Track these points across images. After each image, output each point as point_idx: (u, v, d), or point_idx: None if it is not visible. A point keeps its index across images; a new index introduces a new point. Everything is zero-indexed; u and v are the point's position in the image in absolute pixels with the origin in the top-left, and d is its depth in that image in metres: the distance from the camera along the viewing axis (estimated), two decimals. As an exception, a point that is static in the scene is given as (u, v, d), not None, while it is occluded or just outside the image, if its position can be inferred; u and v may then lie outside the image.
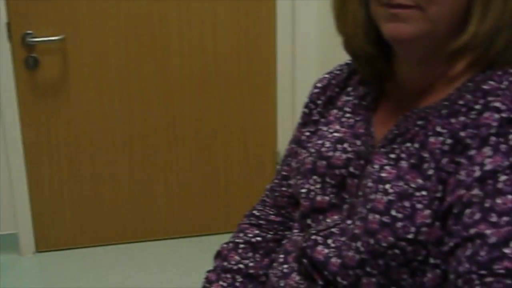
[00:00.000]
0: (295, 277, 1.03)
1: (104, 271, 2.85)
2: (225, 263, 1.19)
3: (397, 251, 0.88)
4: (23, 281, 2.80)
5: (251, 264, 1.18)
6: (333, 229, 0.99)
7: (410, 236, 0.86)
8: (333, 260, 0.95)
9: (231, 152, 3.14)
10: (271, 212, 1.23)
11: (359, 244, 0.91)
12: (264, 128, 3.13)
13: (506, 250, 0.72)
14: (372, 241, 0.89)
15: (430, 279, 0.87)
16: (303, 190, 1.05)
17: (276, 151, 3.16)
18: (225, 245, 1.22)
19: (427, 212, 0.86)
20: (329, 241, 0.98)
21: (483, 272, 0.72)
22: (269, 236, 1.21)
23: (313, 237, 1.00)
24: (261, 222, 1.22)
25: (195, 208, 3.16)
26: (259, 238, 1.20)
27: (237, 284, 1.17)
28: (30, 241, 3.01)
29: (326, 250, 0.97)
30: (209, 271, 1.20)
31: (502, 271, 0.71)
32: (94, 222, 3.06)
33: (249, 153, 3.15)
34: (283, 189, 1.21)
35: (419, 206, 0.86)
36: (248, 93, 3.07)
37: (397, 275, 0.90)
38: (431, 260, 0.87)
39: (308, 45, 3.00)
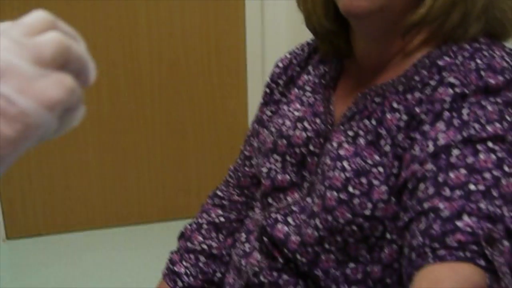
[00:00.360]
0: (257, 256, 1.03)
1: (75, 257, 2.84)
2: (189, 244, 1.19)
3: (354, 227, 0.88)
4: (-7, 268, 2.78)
5: (214, 245, 1.18)
6: (293, 207, 0.99)
7: (367, 212, 0.87)
8: (293, 238, 0.96)
9: (201, 136, 3.13)
10: (234, 193, 1.23)
11: (317, 221, 0.92)
12: (234, 111, 3.12)
13: (459, 223, 0.73)
14: (330, 218, 0.89)
15: (388, 255, 0.88)
16: (264, 169, 1.05)
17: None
18: (188, 226, 1.22)
19: (384, 188, 0.86)
20: (289, 219, 0.98)
21: (436, 245, 0.73)
22: (232, 216, 1.21)
23: (273, 215, 1.00)
24: (224, 202, 1.22)
25: (167, 193, 3.15)
26: (222, 219, 1.20)
27: (201, 264, 1.17)
28: (0, 228, 2.98)
29: (286, 228, 0.97)
30: (172, 252, 1.20)
31: (454, 244, 0.72)
32: (64, 208, 3.03)
33: (220, 137, 3.14)
34: (246, 169, 1.21)
35: (375, 182, 0.87)
36: (218, 76, 3.06)
37: (355, 251, 0.90)
38: (388, 236, 0.87)
39: (278, 25, 2.98)
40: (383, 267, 0.89)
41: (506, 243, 0.71)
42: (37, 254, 2.90)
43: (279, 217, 0.99)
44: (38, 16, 0.44)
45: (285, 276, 0.98)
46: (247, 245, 1.09)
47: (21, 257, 2.90)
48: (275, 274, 0.99)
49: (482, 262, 0.71)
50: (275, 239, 0.98)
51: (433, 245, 0.73)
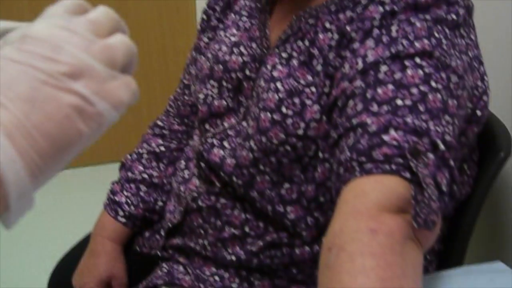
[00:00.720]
0: (195, 181, 1.04)
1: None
2: (129, 174, 1.18)
3: (288, 147, 0.89)
4: None
5: (155, 174, 1.18)
6: (229, 132, 0.99)
7: (300, 132, 0.87)
8: (228, 161, 0.96)
9: (152, 83, 3.10)
10: (174, 122, 1.22)
11: (252, 143, 0.92)
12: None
13: (386, 137, 0.74)
14: (264, 139, 0.90)
15: (321, 174, 0.89)
16: (201, 96, 1.04)
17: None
18: (128, 156, 1.21)
19: (316, 107, 0.87)
20: (225, 143, 0.99)
21: (362, 159, 0.74)
22: (172, 145, 1.20)
23: (209, 140, 1.00)
24: (164, 132, 1.22)
25: (118, 134, 3.13)
26: (162, 148, 1.20)
27: (141, 193, 1.17)
28: None
29: (222, 152, 0.98)
30: (113, 183, 1.20)
31: (381, 157, 0.73)
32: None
33: (170, 78, 3.11)
34: (185, 98, 1.20)
35: (308, 102, 0.87)
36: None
37: (289, 172, 0.91)
38: (321, 155, 0.88)
39: None
40: (316, 186, 0.90)
41: (431, 155, 0.73)
42: None
43: (215, 141, 1.00)
44: (105, 13, 0.46)
45: (222, 200, 0.98)
46: (186, 172, 1.09)
47: None
48: (212, 198, 0.99)
49: (407, 174, 0.72)
50: (211, 164, 0.98)
51: (360, 159, 0.74)
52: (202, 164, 1.00)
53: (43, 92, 0.41)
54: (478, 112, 0.90)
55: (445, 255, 0.99)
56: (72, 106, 0.42)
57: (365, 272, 0.66)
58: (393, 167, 0.72)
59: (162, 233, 1.10)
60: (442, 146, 0.74)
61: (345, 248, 0.68)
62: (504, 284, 0.77)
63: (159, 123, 1.23)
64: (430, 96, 0.77)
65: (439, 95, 0.77)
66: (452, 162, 0.75)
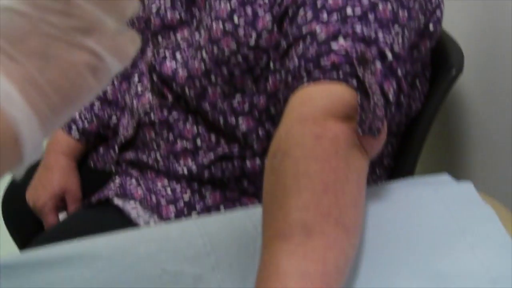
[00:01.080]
0: (148, 96, 1.02)
1: None
2: (83, 90, 1.16)
3: (239, 58, 0.88)
4: None
5: (109, 90, 1.16)
6: (181, 43, 0.98)
7: (251, 42, 0.87)
8: (181, 73, 0.95)
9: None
10: (129, 37, 1.20)
11: (203, 53, 0.91)
12: None
13: (334, 45, 0.74)
14: (215, 49, 0.89)
15: (272, 84, 0.89)
16: (154, 7, 1.02)
17: None
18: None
19: (268, 17, 0.85)
20: (177, 55, 0.97)
21: (310, 66, 0.74)
22: (127, 60, 1.18)
23: (161, 52, 0.99)
24: (118, 47, 1.19)
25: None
26: (116, 63, 1.18)
27: (95, 109, 1.15)
28: None
29: (174, 64, 0.96)
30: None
31: (328, 65, 0.73)
32: None
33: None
34: (140, 13, 1.17)
35: (260, 11, 0.86)
36: None
37: (241, 83, 0.91)
38: (272, 66, 0.88)
39: None
40: (267, 97, 0.90)
41: (378, 64, 0.73)
42: None
43: (167, 53, 0.98)
44: None
45: (174, 113, 0.98)
46: (139, 86, 1.08)
47: None
48: (165, 112, 0.99)
49: (354, 82, 0.72)
50: (163, 76, 0.97)
51: (308, 67, 0.74)
52: (155, 77, 0.99)
53: (56, 48, 0.40)
54: (431, 26, 0.89)
55: (395, 170, 1.00)
56: (85, 63, 0.42)
57: (309, 175, 0.66)
58: (341, 74, 0.72)
59: (116, 148, 1.10)
60: (390, 56, 0.74)
61: (290, 153, 0.68)
62: (448, 194, 0.79)
63: (114, 38, 1.21)
64: (380, 6, 0.76)
65: (389, 5, 0.77)
66: (400, 72, 0.75)
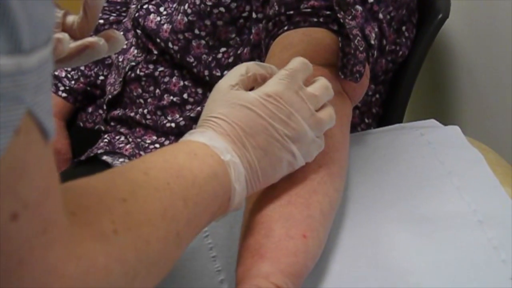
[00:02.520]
0: (133, 51, 1.01)
1: None
2: (69, 48, 1.15)
3: (222, 9, 0.87)
4: None
5: (95, 47, 1.15)
6: (166, -3, 0.97)
7: None
8: (165, 26, 0.94)
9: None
10: (113, -7, 1.19)
11: (186, 6, 0.90)
12: None
13: None
14: (198, 1, 0.88)
15: (255, 35, 0.88)
16: (137, -39, 1.01)
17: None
18: (67, 31, 1.17)
19: None
20: (161, 9, 0.96)
21: (291, 12, 0.73)
22: (112, 17, 1.17)
23: (145, 6, 0.97)
24: (103, 4, 1.18)
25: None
26: (101, 21, 1.16)
27: (82, 67, 1.14)
28: None
29: (158, 18, 0.95)
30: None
31: (308, 9, 0.72)
32: None
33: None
34: None
35: None
36: None
37: (225, 35, 0.89)
38: (254, 15, 0.86)
39: None
40: (251, 48, 0.89)
41: (359, 7, 0.72)
42: None
43: (151, 7, 0.97)
44: (324, 88, 0.61)
45: (160, 68, 0.97)
46: (124, 43, 1.07)
47: None
48: (150, 66, 0.98)
49: (335, 27, 0.71)
50: (147, 30, 0.96)
51: (288, 13, 0.73)
52: (139, 32, 0.98)
53: (273, 147, 0.56)
54: None
55: (384, 118, 1.00)
56: (287, 160, 0.58)
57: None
58: (321, 19, 0.71)
59: (105, 107, 1.09)
60: None
61: None
62: (434, 137, 0.79)
63: (98, -6, 1.19)
64: None
65: None
66: (381, 15, 0.74)
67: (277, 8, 0.74)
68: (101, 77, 1.15)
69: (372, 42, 0.73)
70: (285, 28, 0.73)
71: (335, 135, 0.67)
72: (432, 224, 0.69)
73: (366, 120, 0.98)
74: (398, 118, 1.00)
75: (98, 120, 1.14)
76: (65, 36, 0.55)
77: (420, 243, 0.67)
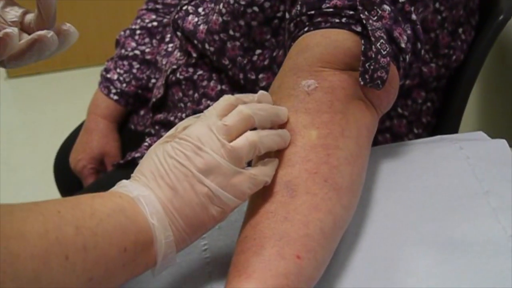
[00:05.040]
0: (176, 54, 0.99)
1: (74, 94, 2.85)
2: (122, 51, 1.15)
3: (255, 8, 0.82)
4: (-4, 106, 2.83)
5: (147, 50, 1.14)
6: (205, -3, 0.94)
7: None
8: (201, 27, 0.91)
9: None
10: (168, -5, 1.17)
11: (221, 5, 0.86)
12: None
13: None
14: (232, 0, 0.84)
15: None
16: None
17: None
18: (122, 33, 1.17)
19: None
20: (200, 9, 0.93)
21: (312, 12, 0.67)
22: (165, 20, 1.15)
23: (185, 7, 0.95)
24: (158, 6, 1.17)
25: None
26: (155, 23, 1.15)
27: (134, 70, 1.14)
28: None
29: (196, 19, 0.92)
30: (108, 60, 1.17)
31: (330, 9, 0.66)
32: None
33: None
34: None
35: None
36: None
37: (260, 36, 0.85)
38: (288, 16, 0.81)
39: None
40: (285, 50, 0.84)
41: (387, 7, 0.65)
42: (37, 91, 2.93)
43: (190, 8, 0.94)
44: (238, 118, 0.57)
45: (199, 71, 0.94)
46: (170, 45, 1.05)
47: (22, 95, 2.94)
48: (190, 70, 0.95)
49: (359, 28, 0.65)
50: (185, 32, 0.93)
51: (309, 13, 0.68)
52: (179, 34, 0.95)
53: (184, 183, 0.54)
54: None
55: (438, 128, 0.92)
56: (203, 195, 0.54)
57: (297, 129, 0.61)
58: (343, 20, 0.66)
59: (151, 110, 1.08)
60: None
61: (280, 106, 0.63)
62: (474, 152, 0.70)
63: (154, -3, 1.18)
64: None
65: None
66: (414, 16, 0.67)
67: (299, 8, 0.69)
68: (153, 80, 1.13)
69: (403, 45, 0.66)
70: (305, 29, 0.67)
71: (348, 147, 0.61)
72: (459, 249, 0.61)
73: (415, 130, 0.90)
74: (453, 128, 0.92)
75: (149, 123, 1.13)
76: (14, 30, 0.53)
77: (442, 270, 0.60)
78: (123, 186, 0.55)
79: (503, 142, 0.72)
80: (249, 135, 0.57)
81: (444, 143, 0.73)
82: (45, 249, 0.45)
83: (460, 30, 0.87)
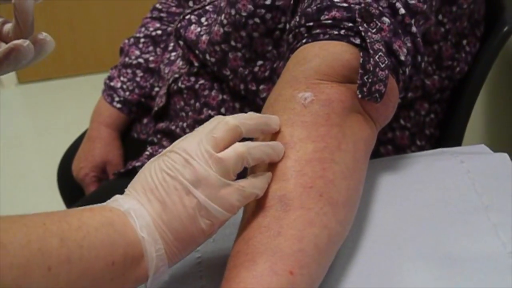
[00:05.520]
0: (179, 62, 0.99)
1: (84, 100, 2.86)
2: (126, 59, 1.15)
3: (257, 19, 0.82)
4: (7, 112, 2.84)
5: (151, 58, 1.14)
6: (207, 7, 0.93)
7: (267, 1, 0.80)
8: (203, 37, 0.90)
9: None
10: (172, 4, 1.17)
11: (222, 16, 0.86)
12: None
13: None
14: (233, 11, 0.83)
15: None
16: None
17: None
18: (126, 41, 1.17)
19: None
20: (203, 19, 0.93)
21: (310, 23, 0.67)
22: (169, 29, 1.15)
23: (187, 16, 0.95)
24: (162, 15, 1.17)
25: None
26: (159, 32, 1.15)
27: (137, 79, 1.13)
28: (12, 73, 3.01)
29: (199, 29, 0.92)
30: (112, 68, 1.17)
31: (329, 21, 0.65)
32: (73, 53, 3.02)
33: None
34: None
35: None
36: None
37: (261, 47, 0.85)
38: (288, 27, 0.81)
39: None
40: (285, 62, 0.83)
41: (386, 20, 0.64)
42: (47, 97, 2.94)
43: (193, 18, 0.94)
44: (225, 130, 0.56)
45: (201, 81, 0.94)
46: (173, 53, 1.05)
47: (33, 101, 2.95)
48: (192, 79, 0.95)
49: (357, 40, 0.64)
50: (188, 41, 0.93)
51: (308, 24, 0.67)
52: (181, 43, 0.95)
53: (173, 197, 0.54)
54: None
55: (441, 140, 0.91)
56: (192, 207, 0.53)
57: (292, 143, 0.60)
58: (342, 32, 0.65)
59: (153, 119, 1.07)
60: (402, 10, 0.65)
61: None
62: (475, 165, 0.69)
63: (158, 5, 1.18)
64: None
65: None
66: (414, 29, 0.66)
67: (298, 19, 0.68)
68: (156, 89, 1.13)
69: (403, 58, 0.65)
70: (304, 41, 0.67)
71: (345, 161, 0.60)
72: (457, 265, 0.60)
73: (418, 143, 0.89)
74: (457, 140, 0.91)
75: (151, 132, 1.12)
76: None
77: (439, 286, 0.59)
78: (114, 200, 0.55)
79: (504, 156, 0.71)
80: (237, 146, 0.56)
81: (445, 156, 0.72)
82: (27, 259, 0.45)
83: (464, 41, 0.86)
